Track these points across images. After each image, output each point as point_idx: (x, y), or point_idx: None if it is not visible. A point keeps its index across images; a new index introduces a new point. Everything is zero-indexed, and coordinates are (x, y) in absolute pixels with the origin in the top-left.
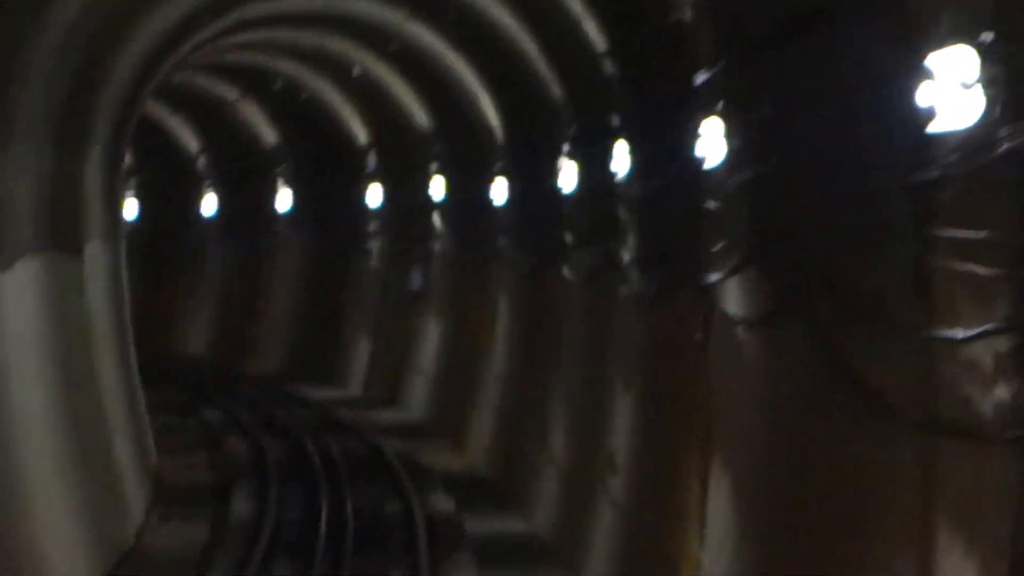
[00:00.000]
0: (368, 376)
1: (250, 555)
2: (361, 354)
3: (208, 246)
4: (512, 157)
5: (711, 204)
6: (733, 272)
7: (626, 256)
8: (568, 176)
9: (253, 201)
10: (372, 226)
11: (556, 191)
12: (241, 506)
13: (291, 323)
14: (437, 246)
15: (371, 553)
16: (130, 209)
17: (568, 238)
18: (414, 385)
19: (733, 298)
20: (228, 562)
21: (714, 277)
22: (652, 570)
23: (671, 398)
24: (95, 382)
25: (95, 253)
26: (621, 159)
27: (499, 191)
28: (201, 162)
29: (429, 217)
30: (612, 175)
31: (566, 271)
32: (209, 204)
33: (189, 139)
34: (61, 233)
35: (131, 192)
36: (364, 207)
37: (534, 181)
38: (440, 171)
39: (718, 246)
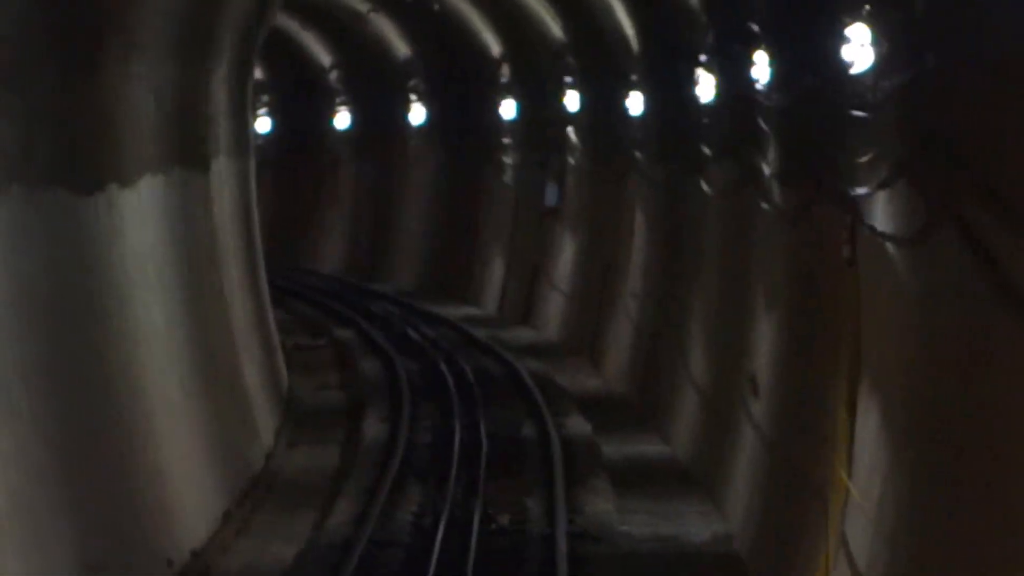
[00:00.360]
0: (502, 293)
1: (380, 480)
2: (495, 271)
3: (341, 161)
4: (648, 68)
5: (858, 112)
6: (883, 185)
7: (767, 169)
8: (705, 86)
9: (386, 115)
10: (506, 140)
11: (693, 102)
12: (373, 429)
13: (424, 239)
14: (572, 159)
15: (505, 478)
16: (263, 124)
17: (706, 150)
18: (549, 302)
19: (882, 212)
20: (358, 488)
21: (861, 190)
22: (796, 497)
23: (815, 319)
24: (222, 302)
25: (222, 169)
26: (761, 67)
27: (635, 103)
28: (334, 76)
29: (564, 130)
30: (752, 84)
31: (704, 184)
32: (342, 119)
33: (322, 53)
34: (186, 149)
35: (264, 107)
36: (498, 120)
37: (670, 92)
38: (574, 83)
39: (866, 157)
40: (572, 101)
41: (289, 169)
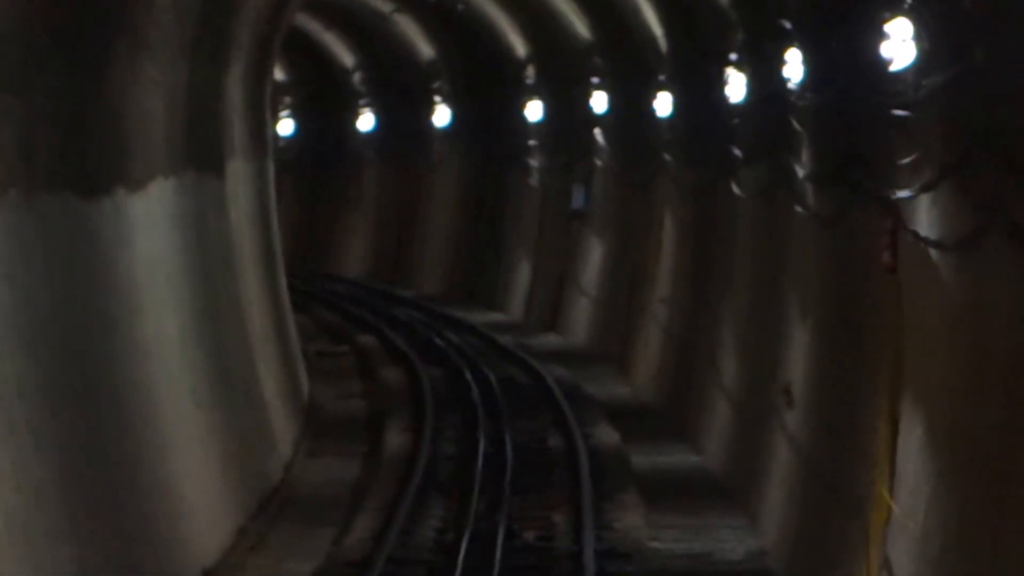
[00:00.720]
0: (528, 299)
1: (402, 494)
2: (521, 276)
3: (365, 164)
4: (676, 68)
5: (899, 111)
6: (926, 188)
7: (801, 171)
8: (736, 86)
9: (410, 117)
10: (532, 142)
11: (723, 102)
12: (395, 440)
13: (449, 243)
14: (599, 162)
15: (531, 492)
16: (285, 127)
17: (737, 152)
18: (576, 308)
19: (926, 217)
20: (378, 502)
21: (903, 193)
22: (834, 513)
23: (854, 328)
24: (238, 309)
25: (238, 172)
26: (794, 66)
27: (663, 104)
28: (357, 78)
29: (590, 132)
30: (784, 84)
31: (735, 187)
32: (366, 121)
33: (344, 55)
34: (199, 152)
35: (286, 109)
36: (523, 122)
37: (700, 93)
38: (601, 84)
39: (907, 159)
40: (599, 102)
41: (312, 172)
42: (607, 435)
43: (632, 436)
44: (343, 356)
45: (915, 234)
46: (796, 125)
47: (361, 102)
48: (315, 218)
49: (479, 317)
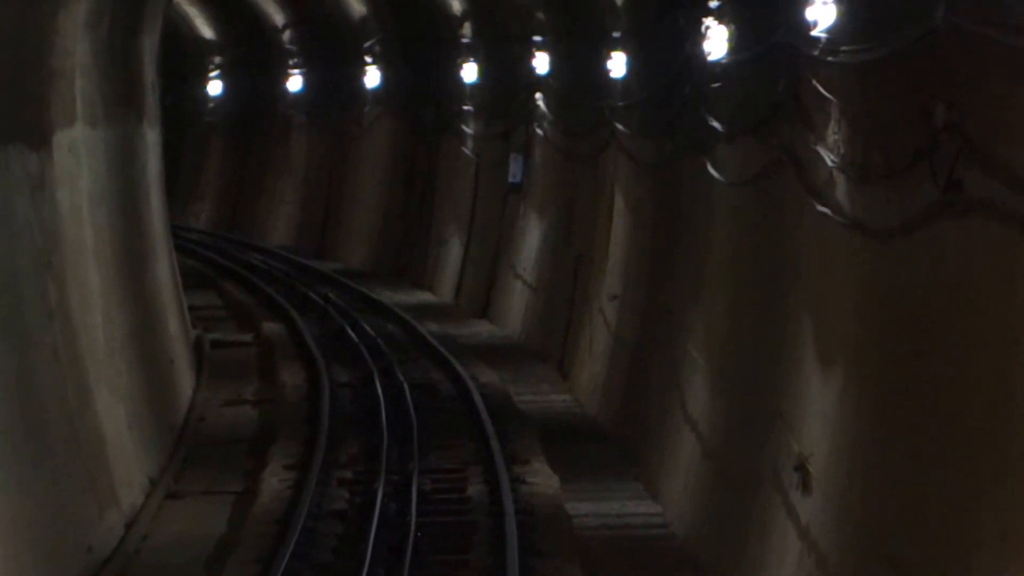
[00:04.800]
0: (459, 280)
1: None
2: (452, 253)
3: (294, 127)
4: (636, 22)
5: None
6: None
7: (825, 154)
8: (717, 39)
9: (340, 78)
10: (467, 106)
11: (698, 59)
12: (273, 483)
13: (378, 214)
14: (540, 131)
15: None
16: (215, 87)
17: (715, 124)
18: (511, 294)
19: None
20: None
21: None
22: None
23: (922, 378)
24: (62, 321)
25: (78, 143)
26: (816, 7)
27: (618, 63)
28: (287, 36)
29: (532, 96)
30: (802, 29)
31: (711, 167)
32: (295, 82)
33: (275, 12)
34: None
35: (216, 70)
36: (459, 84)
37: (666, 48)
38: (544, 43)
39: None
40: (542, 63)
41: (241, 135)
42: (543, 476)
43: (573, 470)
44: (244, 347)
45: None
46: (821, 89)
47: (291, 62)
48: (243, 183)
49: (404, 297)
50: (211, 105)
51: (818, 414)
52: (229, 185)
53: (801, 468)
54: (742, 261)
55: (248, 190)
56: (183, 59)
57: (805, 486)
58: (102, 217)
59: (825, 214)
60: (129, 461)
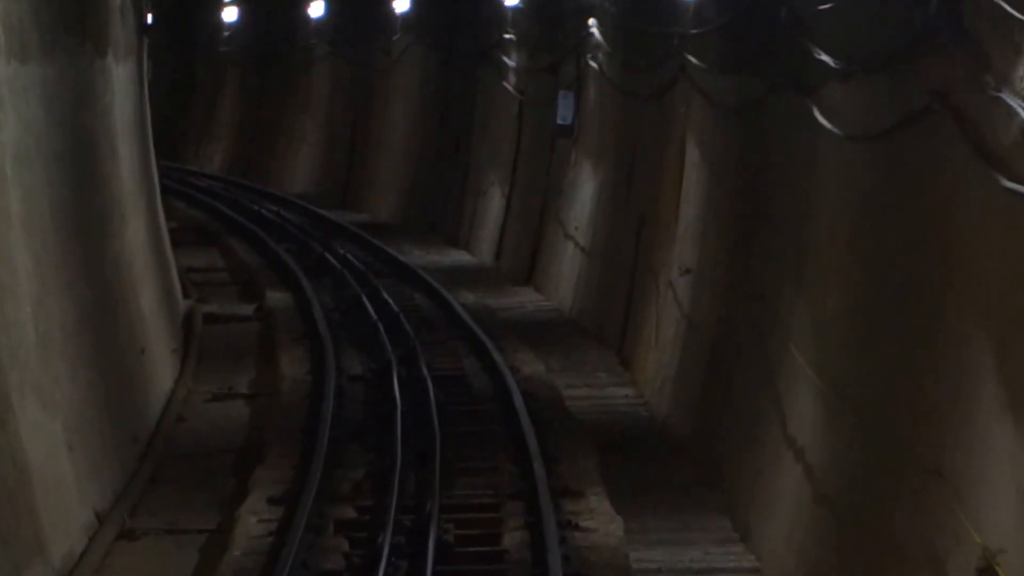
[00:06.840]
0: (500, 238)
1: None
2: (492, 206)
3: (316, 59)
4: None
5: None
6: None
7: (1009, 100)
8: None
9: (367, 3)
10: (508, 35)
11: None
12: (252, 523)
13: (408, 160)
14: (594, 63)
15: None
16: (229, 14)
17: (823, 55)
18: (561, 258)
19: None
20: None
21: None
22: None
23: None
24: None
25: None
26: None
27: None
28: None
29: (584, 21)
30: None
31: (818, 112)
32: (317, 7)
33: None
34: None
35: None
36: (498, 8)
37: None
38: None
39: None
40: None
41: (258, 68)
42: (601, 520)
43: (639, 500)
44: (242, 323)
45: None
46: (1006, 6)
47: None
48: (260, 123)
49: (436, 257)
50: (226, 34)
51: (1010, 488)
52: (245, 124)
53: (987, 573)
54: (866, 245)
55: (265, 130)
56: None
57: None
58: (36, 177)
59: (1014, 191)
60: (66, 494)
